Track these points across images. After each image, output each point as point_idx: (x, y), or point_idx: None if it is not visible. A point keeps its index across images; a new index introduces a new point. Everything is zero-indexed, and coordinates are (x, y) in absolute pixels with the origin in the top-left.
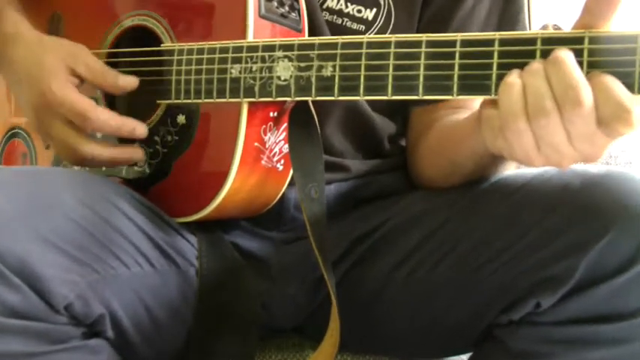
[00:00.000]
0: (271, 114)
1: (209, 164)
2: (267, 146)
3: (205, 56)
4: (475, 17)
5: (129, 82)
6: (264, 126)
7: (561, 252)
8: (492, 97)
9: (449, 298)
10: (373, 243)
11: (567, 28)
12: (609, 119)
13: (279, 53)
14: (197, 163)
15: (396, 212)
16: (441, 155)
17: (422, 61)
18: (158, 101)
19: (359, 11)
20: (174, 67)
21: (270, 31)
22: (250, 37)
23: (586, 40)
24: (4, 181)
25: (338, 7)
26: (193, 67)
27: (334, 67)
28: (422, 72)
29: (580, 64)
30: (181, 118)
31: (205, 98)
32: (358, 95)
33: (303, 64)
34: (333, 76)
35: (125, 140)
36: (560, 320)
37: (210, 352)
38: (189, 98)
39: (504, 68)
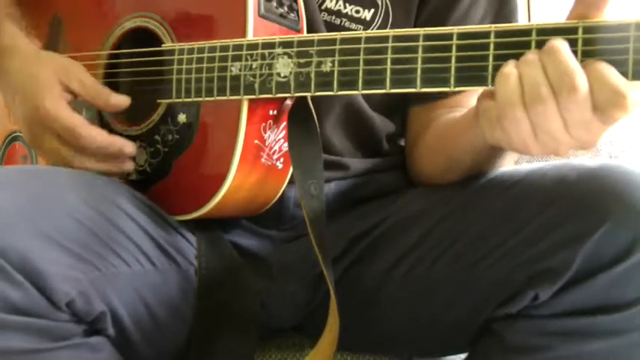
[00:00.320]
0: (271, 112)
1: (209, 162)
2: (267, 144)
3: (206, 55)
4: (470, 18)
5: (120, 100)
6: (264, 124)
7: (558, 244)
8: (489, 87)
9: (447, 294)
10: (372, 241)
11: None
12: (605, 105)
13: (279, 50)
14: (197, 161)
15: (394, 210)
16: (439, 152)
17: (419, 55)
18: (159, 101)
19: (357, 12)
20: (175, 67)
21: (269, 31)
22: (250, 37)
23: (580, 30)
24: (7, 179)
25: (336, 7)
26: (194, 66)
27: (333, 62)
28: (419, 65)
29: (574, 53)
30: (182, 117)
31: (206, 97)
32: (357, 90)
33: (302, 61)
34: (332, 72)
35: None
36: (558, 312)
37: (210, 351)
38: (190, 97)
39: (501, 59)
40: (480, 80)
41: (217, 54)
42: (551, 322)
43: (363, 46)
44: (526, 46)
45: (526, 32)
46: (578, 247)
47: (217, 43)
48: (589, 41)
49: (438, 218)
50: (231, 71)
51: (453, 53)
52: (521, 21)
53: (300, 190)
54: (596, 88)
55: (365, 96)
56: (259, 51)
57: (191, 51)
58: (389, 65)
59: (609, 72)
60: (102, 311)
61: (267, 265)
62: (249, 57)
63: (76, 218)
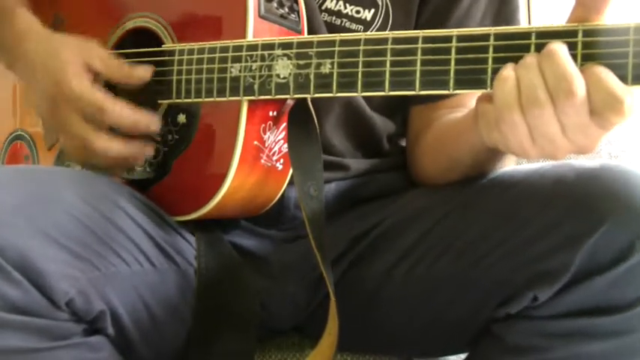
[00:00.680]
0: (271, 113)
1: (209, 163)
2: (266, 145)
3: (206, 56)
4: (471, 18)
5: (144, 71)
6: (263, 125)
7: (557, 245)
8: (488, 91)
9: (448, 294)
10: (372, 241)
11: None
12: (602, 109)
13: (279, 51)
14: (197, 161)
15: (394, 210)
16: (439, 152)
17: (418, 57)
18: (159, 101)
19: (357, 12)
20: (175, 67)
21: (269, 32)
22: (250, 38)
23: (580, 33)
24: (5, 178)
25: (337, 8)
26: (194, 66)
27: (332, 64)
28: (418, 67)
29: (574, 57)
30: (182, 118)
31: (205, 97)
32: (356, 91)
33: (301, 62)
34: (332, 73)
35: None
36: (557, 314)
37: (209, 351)
38: (190, 98)
39: (500, 62)
40: (479, 83)
41: (217, 55)
42: (551, 323)
43: (362, 48)
44: (525, 49)
45: (525, 35)
46: (577, 249)
47: (217, 44)
48: (589, 44)
49: (438, 218)
50: (230, 72)
51: (453, 56)
52: (522, 21)
53: (300, 192)
54: (594, 92)
55: (365, 96)
56: (259, 52)
57: (191, 52)
58: (388, 67)
59: (607, 76)
60: (101, 310)
61: (267, 265)
62: (248, 58)
63: (74, 215)
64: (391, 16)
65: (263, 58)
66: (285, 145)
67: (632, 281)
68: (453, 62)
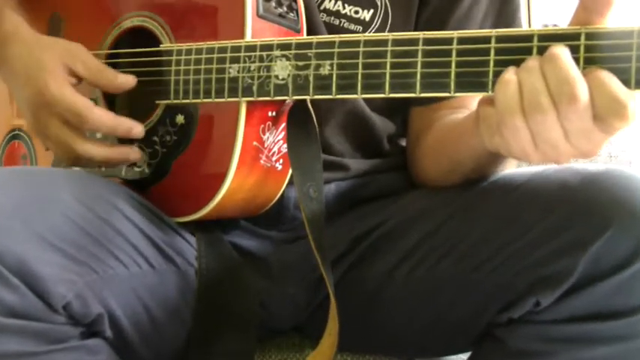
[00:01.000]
0: (270, 113)
1: (208, 164)
2: (265, 146)
3: (204, 56)
4: (472, 18)
5: (127, 80)
6: (262, 125)
7: (560, 250)
8: (489, 94)
9: (449, 296)
10: (372, 242)
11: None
12: (605, 114)
13: (277, 52)
14: (196, 162)
15: (395, 211)
16: (441, 154)
17: (419, 59)
18: (157, 101)
19: (356, 12)
20: (173, 68)
21: (268, 31)
22: (248, 37)
23: (582, 37)
24: (1, 180)
25: (335, 8)
26: (192, 67)
27: (332, 65)
28: (419, 70)
29: (577, 60)
30: (180, 118)
31: (204, 98)
32: (356, 93)
33: (300, 63)
34: (331, 75)
35: (124, 140)
36: (560, 318)
37: (209, 352)
38: (188, 98)
39: (501, 65)
40: (480, 86)
41: (215, 55)
42: (553, 328)
43: (362, 49)
44: (527, 52)
45: (527, 38)
46: (581, 254)
47: (215, 44)
48: (591, 48)
49: (440, 220)
50: (229, 73)
51: (453, 58)
52: (522, 21)
53: (299, 193)
54: (597, 97)
55: None
56: (257, 53)
57: (189, 52)
58: (388, 69)
59: (610, 80)
60: (99, 313)
61: (266, 265)
62: (247, 59)
63: (70, 217)
64: (390, 16)
65: (261, 59)
66: (285, 146)
67: (635, 287)
68: (453, 65)
